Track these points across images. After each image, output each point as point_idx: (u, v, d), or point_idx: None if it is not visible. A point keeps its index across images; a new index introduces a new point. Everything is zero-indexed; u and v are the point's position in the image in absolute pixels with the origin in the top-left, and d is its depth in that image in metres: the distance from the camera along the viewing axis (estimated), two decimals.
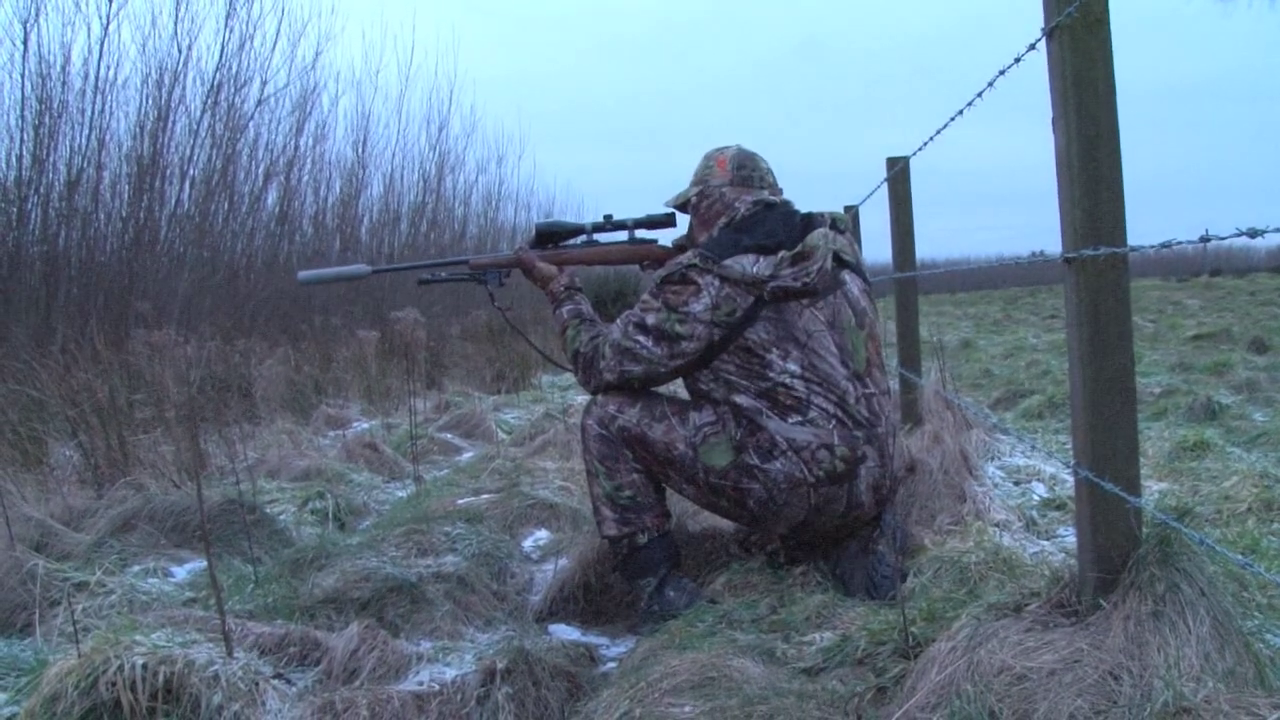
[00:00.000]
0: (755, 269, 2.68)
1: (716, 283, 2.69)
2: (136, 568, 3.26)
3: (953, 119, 2.99)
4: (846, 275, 2.82)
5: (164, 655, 1.98)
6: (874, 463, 2.72)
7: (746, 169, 2.91)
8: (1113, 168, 1.86)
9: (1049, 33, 1.92)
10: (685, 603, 2.80)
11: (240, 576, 3.13)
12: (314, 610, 2.71)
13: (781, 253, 2.69)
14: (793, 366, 2.68)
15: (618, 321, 2.89)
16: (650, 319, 2.77)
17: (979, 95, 2.59)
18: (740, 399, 2.74)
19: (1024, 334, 12.95)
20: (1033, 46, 2.08)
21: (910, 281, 4.26)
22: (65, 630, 2.65)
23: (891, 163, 4.35)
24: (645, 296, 2.84)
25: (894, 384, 5.10)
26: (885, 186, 4.36)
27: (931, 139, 3.35)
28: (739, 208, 2.86)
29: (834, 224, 2.83)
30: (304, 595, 2.78)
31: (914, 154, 3.91)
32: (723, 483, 2.77)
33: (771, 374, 2.69)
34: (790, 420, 2.68)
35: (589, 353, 2.91)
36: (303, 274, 3.26)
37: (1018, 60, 2.21)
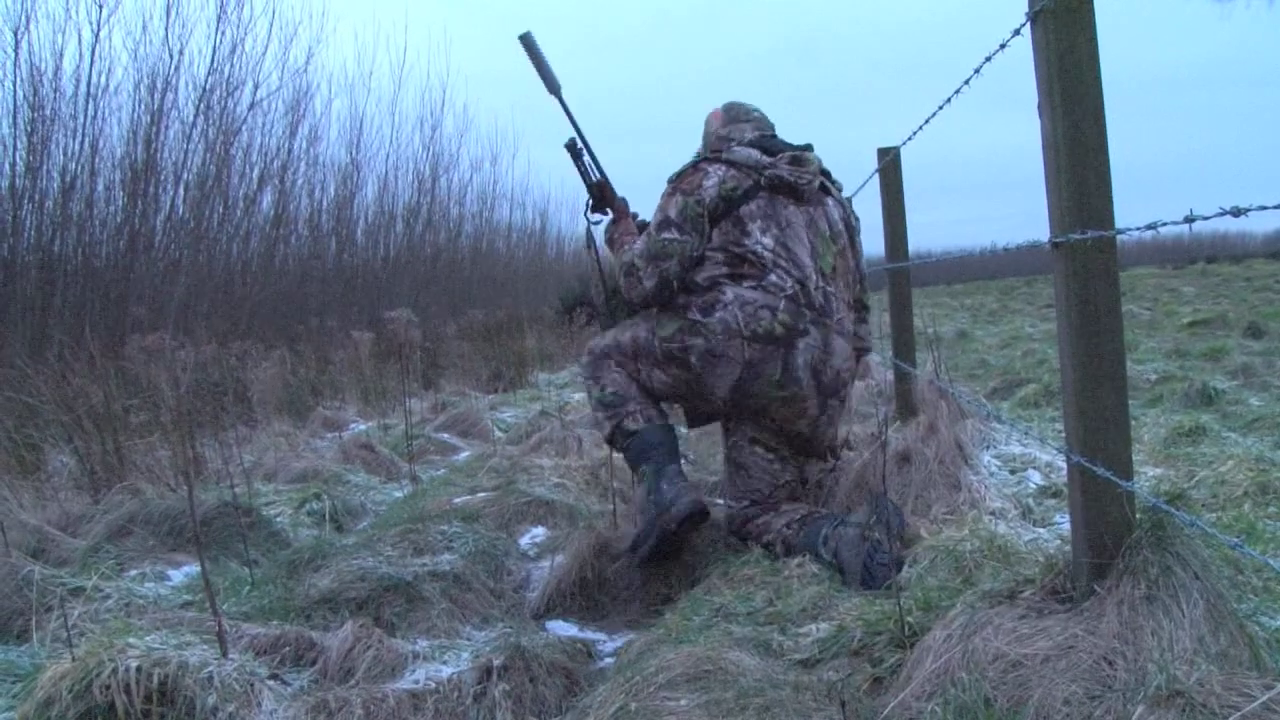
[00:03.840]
0: (758, 158, 3.09)
1: (723, 168, 3.08)
2: (133, 572, 3.26)
3: (941, 107, 2.99)
4: (829, 200, 3.20)
5: (158, 658, 1.98)
6: (816, 343, 2.99)
7: (734, 110, 3.37)
8: (1099, 150, 1.85)
9: (1033, 17, 1.91)
10: (674, 496, 2.97)
11: (236, 579, 3.12)
12: (310, 611, 2.71)
13: (782, 154, 3.11)
14: (768, 240, 3.01)
15: (642, 236, 3.18)
16: (672, 212, 3.07)
17: (966, 83, 2.58)
18: (706, 273, 3.03)
19: (1020, 323, 12.95)
20: (1017, 32, 2.07)
21: (903, 272, 4.26)
22: (60, 635, 2.64)
23: (882, 153, 4.34)
24: (660, 200, 3.13)
25: (889, 375, 5.11)
26: (877, 177, 4.35)
27: (921, 128, 3.34)
28: (747, 133, 3.25)
29: (831, 178, 3.28)
30: (300, 596, 2.78)
31: (904, 143, 3.91)
32: (671, 346, 3.06)
33: (747, 241, 3.01)
34: (745, 284, 2.98)
35: (627, 265, 3.17)
36: (524, 35, 3.44)
37: (1003, 46, 2.21)
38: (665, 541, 3.01)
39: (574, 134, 3.45)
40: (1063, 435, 4.38)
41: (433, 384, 9.06)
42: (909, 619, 2.23)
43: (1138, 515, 1.84)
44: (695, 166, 3.12)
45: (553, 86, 3.48)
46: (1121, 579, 1.79)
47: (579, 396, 8.52)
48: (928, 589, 2.40)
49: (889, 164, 4.20)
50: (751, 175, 3.06)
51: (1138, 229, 1.60)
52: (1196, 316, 10.81)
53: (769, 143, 3.20)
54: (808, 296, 2.98)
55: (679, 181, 3.11)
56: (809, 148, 3.22)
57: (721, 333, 2.96)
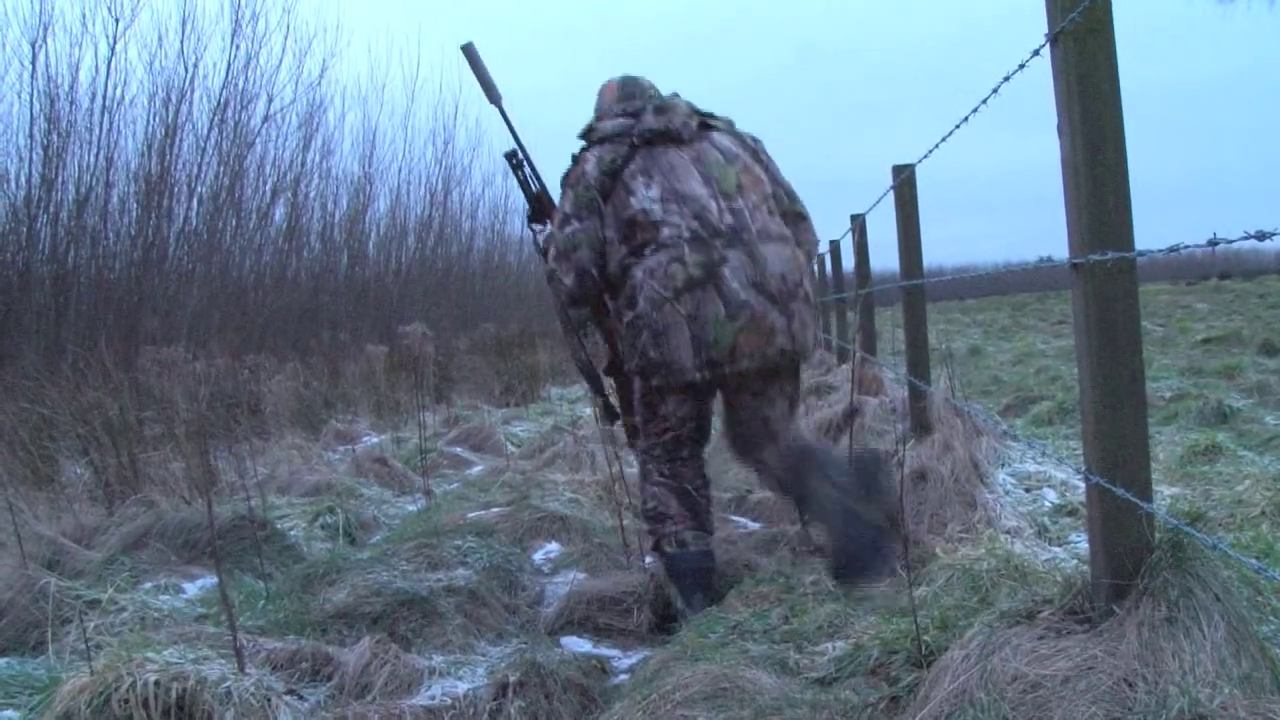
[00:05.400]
0: (624, 124, 3.13)
1: (597, 149, 3.13)
2: (148, 584, 3.27)
3: (958, 126, 2.99)
4: (714, 134, 3.17)
5: (176, 672, 1.98)
6: (740, 262, 2.95)
7: (630, 87, 3.34)
8: (1119, 172, 1.85)
9: (1053, 38, 1.92)
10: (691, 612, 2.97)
11: (251, 592, 3.13)
12: (325, 625, 2.71)
13: (648, 107, 3.15)
14: (653, 193, 3.01)
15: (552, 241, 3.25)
16: (568, 207, 3.14)
17: (984, 102, 2.59)
18: (615, 261, 3.07)
19: (1033, 340, 12.92)
20: (1037, 52, 2.08)
21: (918, 290, 4.26)
22: (78, 648, 2.65)
23: (897, 170, 4.35)
24: (558, 203, 3.24)
25: (903, 393, 5.09)
26: (891, 195, 4.36)
27: (937, 146, 3.35)
28: (620, 108, 3.26)
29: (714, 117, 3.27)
30: (315, 610, 2.78)
31: (919, 161, 3.91)
32: (633, 353, 3.06)
33: (634, 201, 3.02)
34: (646, 254, 2.99)
35: (549, 273, 3.23)
36: (466, 45, 3.52)
37: (1022, 66, 2.21)
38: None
39: (515, 145, 3.51)
40: (1078, 453, 4.36)
41: (445, 397, 9.07)
42: (925, 638, 2.22)
43: (1157, 536, 1.84)
44: (575, 161, 3.18)
45: (493, 97, 3.54)
46: (1141, 600, 1.78)
47: (590, 411, 8.53)
48: (944, 608, 2.39)
49: (904, 182, 4.20)
50: (624, 141, 3.10)
51: (1159, 251, 1.60)
52: (1210, 333, 10.77)
53: (632, 104, 3.22)
54: (710, 225, 2.97)
55: (565, 181, 3.20)
56: (674, 95, 3.27)
57: (653, 309, 2.96)
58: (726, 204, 3.01)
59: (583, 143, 3.24)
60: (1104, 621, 1.84)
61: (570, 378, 11.69)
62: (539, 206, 3.50)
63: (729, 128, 3.26)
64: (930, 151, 3.50)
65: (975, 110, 2.70)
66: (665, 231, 2.97)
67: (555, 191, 3.35)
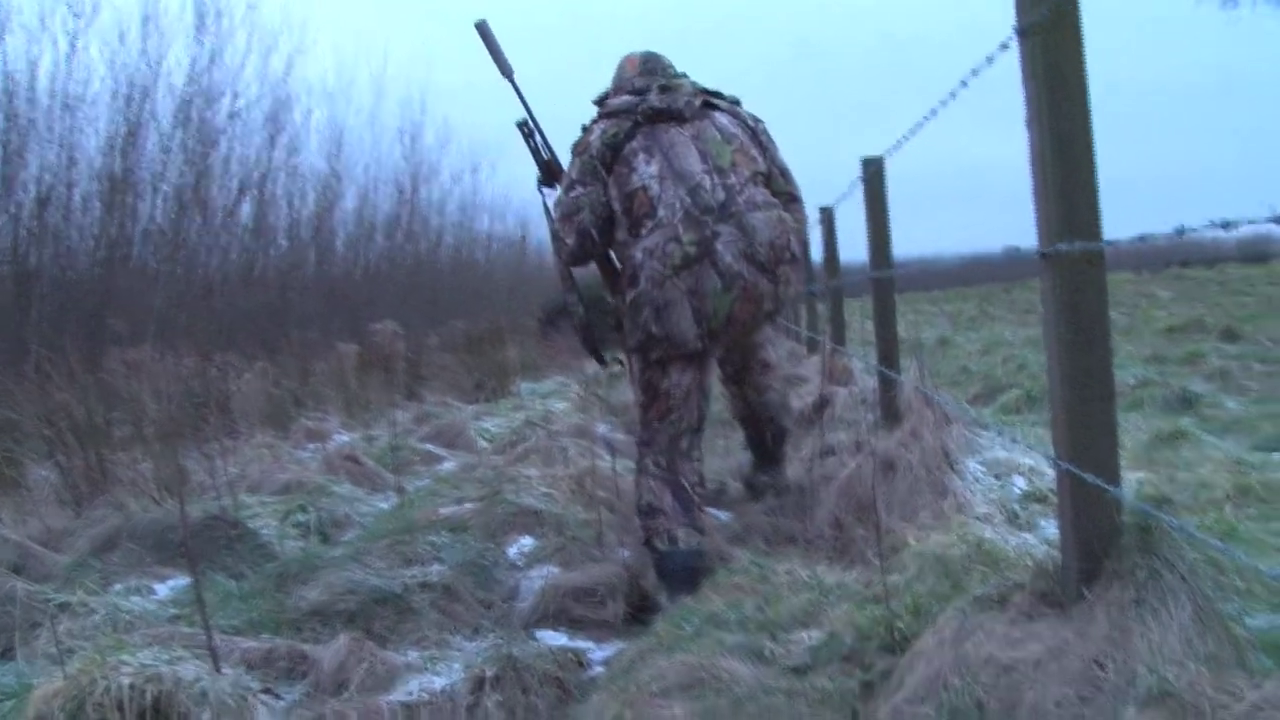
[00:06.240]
0: (630, 101, 3.33)
1: (603, 122, 3.34)
2: (119, 586, 3.24)
3: (927, 119, 3.02)
4: (716, 113, 3.36)
5: (151, 674, 1.97)
6: (733, 235, 3.13)
7: (651, 63, 3.52)
8: (1087, 163, 1.88)
9: (1022, 32, 1.94)
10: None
11: (225, 592, 3.11)
12: (300, 624, 2.70)
13: (654, 86, 3.35)
14: (653, 168, 3.19)
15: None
16: (574, 173, 3.35)
17: (953, 95, 2.62)
18: (619, 236, 3.27)
19: (1000, 330, 13.03)
20: (1005, 46, 2.10)
21: (887, 281, 4.29)
22: (49, 652, 2.62)
23: (866, 163, 4.37)
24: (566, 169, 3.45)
25: (873, 383, 5.13)
26: (861, 187, 4.39)
27: (906, 139, 3.38)
28: (635, 83, 3.45)
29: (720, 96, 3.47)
30: (290, 609, 2.77)
31: (888, 153, 3.94)
32: (635, 330, 3.21)
33: (635, 177, 3.21)
34: (644, 233, 3.16)
35: (553, 234, 3.47)
36: (480, 22, 3.75)
37: (990, 60, 2.24)
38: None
39: (526, 115, 3.75)
40: (1046, 441, 4.41)
41: (415, 394, 9.03)
42: (899, 625, 2.25)
43: (1125, 520, 1.87)
44: (585, 131, 3.40)
45: (506, 71, 3.77)
46: (1111, 583, 1.81)
47: (562, 405, 8.52)
48: (917, 595, 2.41)
49: (873, 174, 4.23)
50: (629, 118, 3.30)
51: (1126, 240, 1.63)
52: (1173, 321, 10.90)
53: (643, 80, 3.43)
54: (702, 202, 3.14)
55: (574, 149, 3.41)
56: (683, 75, 3.48)
57: (654, 287, 3.13)
58: (720, 179, 3.19)
59: (596, 109, 3.46)
60: (1074, 605, 1.86)
61: (541, 373, 11.68)
62: (549, 172, 3.74)
63: (732, 107, 3.46)
64: (899, 144, 3.53)
65: (944, 103, 2.73)
66: (661, 211, 3.15)
67: (565, 159, 3.54)
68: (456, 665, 2.58)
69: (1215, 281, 20.47)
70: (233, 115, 12.01)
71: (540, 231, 24.44)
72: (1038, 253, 1.95)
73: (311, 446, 6.65)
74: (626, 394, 7.25)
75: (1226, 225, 1.22)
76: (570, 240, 3.36)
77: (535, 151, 3.76)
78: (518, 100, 3.76)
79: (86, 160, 10.27)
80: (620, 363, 4.42)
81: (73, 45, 9.98)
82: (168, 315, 10.35)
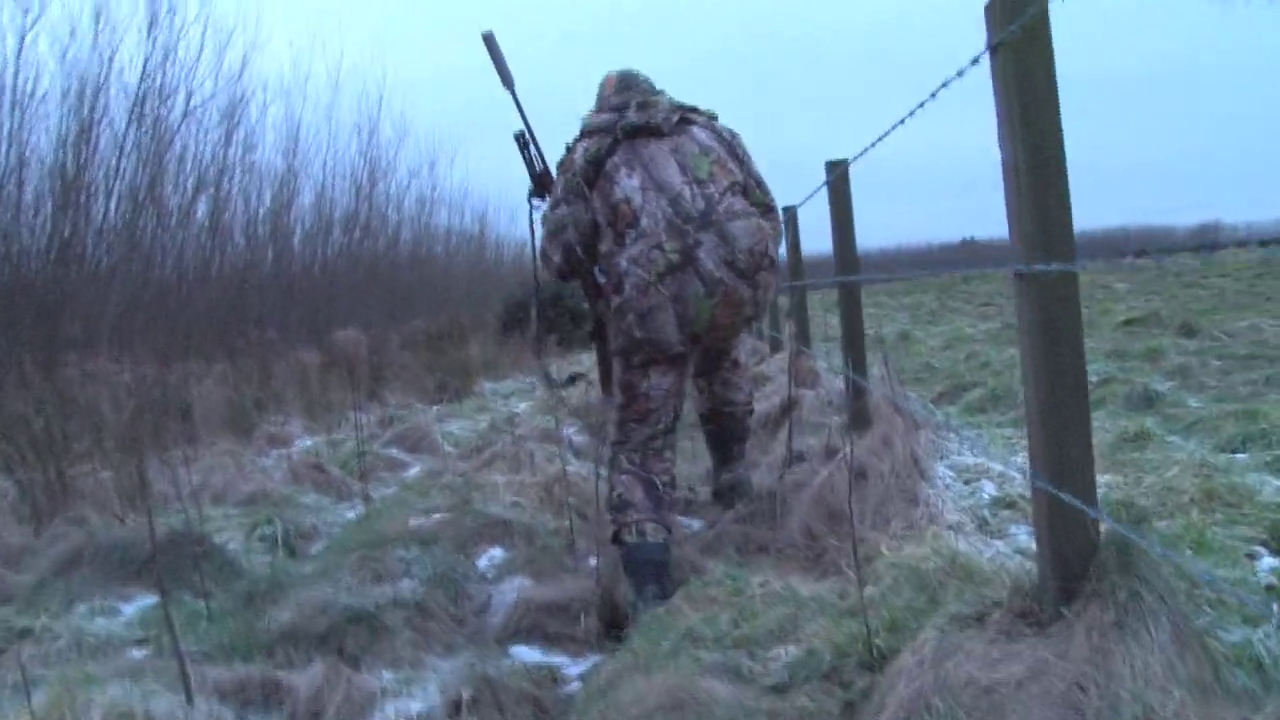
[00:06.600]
0: (610, 119, 3.43)
1: (585, 141, 3.45)
2: (82, 608, 3.17)
3: (895, 127, 3.01)
4: (693, 128, 3.47)
5: (123, 710, 1.93)
6: (713, 243, 3.24)
7: (626, 80, 3.63)
8: (1059, 179, 1.88)
9: (993, 48, 1.94)
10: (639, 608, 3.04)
11: (192, 612, 3.06)
12: (272, 647, 2.66)
13: (632, 103, 3.45)
14: (634, 182, 3.30)
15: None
16: (558, 192, 3.48)
17: (921, 105, 2.61)
18: (604, 247, 3.36)
19: (961, 324, 13.12)
20: (975, 61, 2.10)
21: (853, 287, 4.30)
22: (13, 682, 2.56)
23: (830, 166, 4.37)
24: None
25: (839, 383, 5.15)
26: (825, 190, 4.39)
27: (874, 145, 3.37)
28: (613, 101, 3.56)
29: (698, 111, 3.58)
30: (260, 632, 2.73)
31: (854, 160, 3.94)
32: (619, 334, 3.33)
33: (616, 191, 3.31)
34: (628, 242, 3.26)
35: (541, 251, 3.61)
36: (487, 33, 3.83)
37: (960, 74, 2.23)
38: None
39: (523, 127, 3.83)
40: (1014, 443, 4.44)
41: (378, 395, 8.94)
42: (877, 641, 2.25)
43: (1103, 538, 1.87)
44: (569, 150, 3.52)
45: (508, 82, 3.86)
46: (1089, 603, 1.81)
47: (525, 406, 8.48)
48: (893, 608, 2.41)
49: (838, 178, 4.23)
50: (609, 134, 3.40)
51: (1102, 263, 1.64)
52: (1131, 314, 11.02)
53: (622, 97, 3.53)
54: (684, 212, 3.25)
55: (560, 167, 3.53)
56: (660, 92, 3.58)
57: (638, 294, 3.23)
58: (699, 190, 3.30)
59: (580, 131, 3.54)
60: (1053, 624, 1.87)
61: (503, 371, 11.63)
62: (541, 184, 3.81)
63: (708, 122, 3.56)
64: (865, 151, 3.53)
65: (912, 113, 2.72)
66: (644, 221, 3.25)
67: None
68: (432, 687, 2.55)
69: (1170, 273, 20.77)
70: (188, 113, 11.83)
71: (498, 227, 24.41)
72: (1013, 271, 1.95)
73: (275, 453, 6.57)
74: (589, 396, 7.24)
75: (1214, 247, 1.23)
76: (557, 257, 3.50)
77: (529, 163, 3.85)
78: (516, 111, 3.86)
79: (38, 159, 10.07)
80: (572, 381, 4.46)
81: (22, 40, 9.78)
82: (124, 317, 10.18)
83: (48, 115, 10.20)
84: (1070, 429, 1.87)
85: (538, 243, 3.63)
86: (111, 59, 10.68)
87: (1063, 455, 1.87)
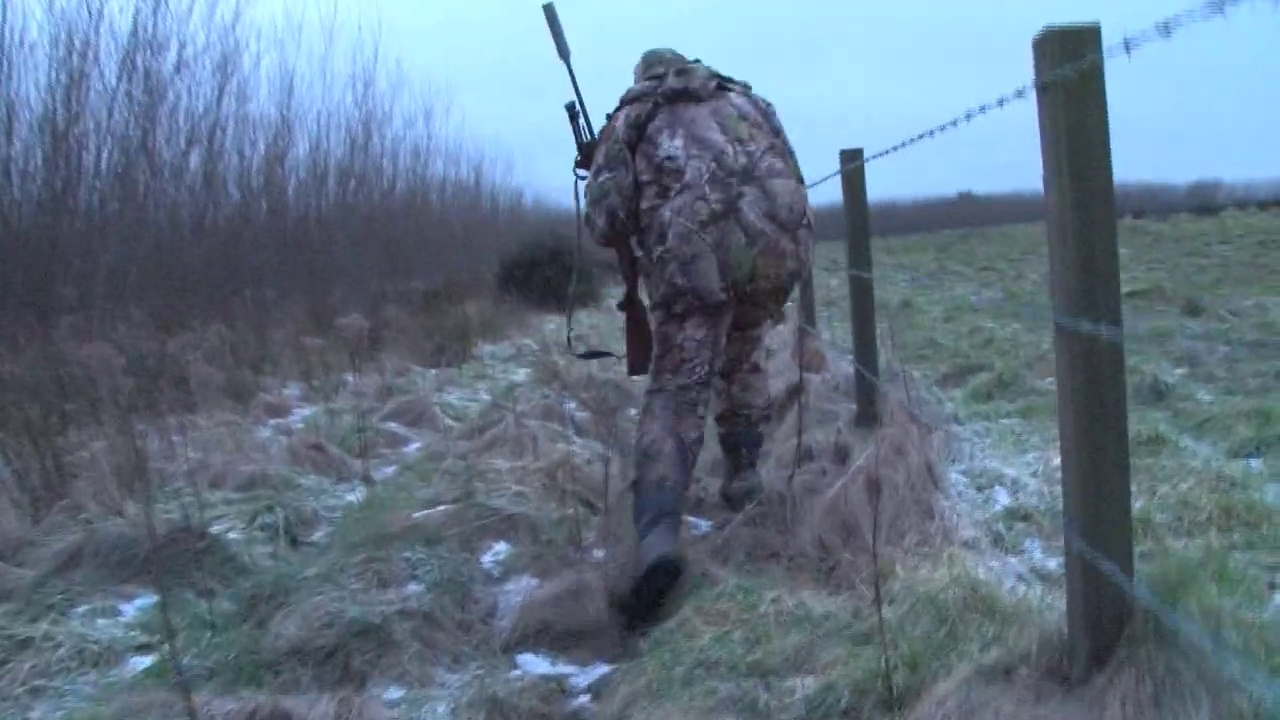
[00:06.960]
0: (649, 86, 3.57)
1: (625, 109, 3.58)
2: (82, 608, 3.13)
3: (920, 137, 2.94)
4: (730, 95, 3.59)
5: None
6: (755, 196, 3.34)
7: (649, 58, 3.86)
8: (1108, 234, 1.82)
9: (1042, 88, 1.86)
10: (657, 554, 3.02)
11: (194, 614, 3.01)
12: (278, 665, 2.62)
13: (670, 70, 3.59)
14: (677, 143, 3.41)
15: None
16: (600, 159, 3.58)
17: (954, 123, 2.53)
18: (646, 203, 3.44)
19: (962, 291, 13.07)
20: (1020, 94, 2.02)
21: (866, 280, 4.23)
22: (14, 695, 2.53)
23: (846, 156, 4.28)
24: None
25: (846, 365, 5.09)
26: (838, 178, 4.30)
27: (894, 149, 3.30)
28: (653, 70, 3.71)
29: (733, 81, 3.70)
30: (265, 648, 2.69)
31: (871, 159, 3.86)
32: (660, 283, 3.41)
33: (659, 153, 3.42)
34: (672, 195, 3.36)
35: (585, 216, 3.70)
36: (547, 4, 3.95)
37: (1001, 104, 2.15)
38: (640, 598, 3.01)
39: (574, 98, 3.92)
40: (1023, 439, 4.39)
41: (374, 359, 8.87)
42: (895, 678, 2.22)
43: (1139, 603, 1.83)
44: (609, 119, 3.64)
45: (564, 53, 3.97)
46: (1122, 669, 1.78)
47: (524, 374, 8.43)
48: (912, 640, 2.38)
49: (854, 169, 4.14)
50: (649, 100, 3.53)
51: (1145, 332, 1.56)
52: (1136, 286, 10.94)
53: (657, 68, 3.69)
54: (727, 166, 3.36)
55: (601, 136, 3.66)
56: (696, 61, 3.71)
57: (681, 243, 3.32)
58: (740, 148, 3.41)
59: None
60: (1083, 686, 1.83)
61: (501, 332, 11.57)
62: (588, 155, 3.88)
63: (744, 91, 3.68)
64: (885, 152, 3.45)
65: (943, 128, 2.64)
66: (689, 174, 3.35)
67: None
68: (440, 708, 2.52)
69: (1170, 237, 20.71)
70: (180, 66, 11.57)
71: (494, 176, 24.20)
72: (1054, 322, 1.89)
73: (272, 422, 6.52)
74: (588, 368, 7.18)
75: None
76: (600, 221, 3.59)
77: (578, 134, 3.95)
78: (570, 83, 3.94)
79: (27, 115, 9.86)
80: (595, 355, 4.46)
81: None
82: (117, 274, 10.04)
83: (36, 68, 9.97)
84: (1109, 495, 1.82)
85: (585, 209, 3.71)
86: (101, 11, 10.42)
87: (1100, 518, 1.82)
